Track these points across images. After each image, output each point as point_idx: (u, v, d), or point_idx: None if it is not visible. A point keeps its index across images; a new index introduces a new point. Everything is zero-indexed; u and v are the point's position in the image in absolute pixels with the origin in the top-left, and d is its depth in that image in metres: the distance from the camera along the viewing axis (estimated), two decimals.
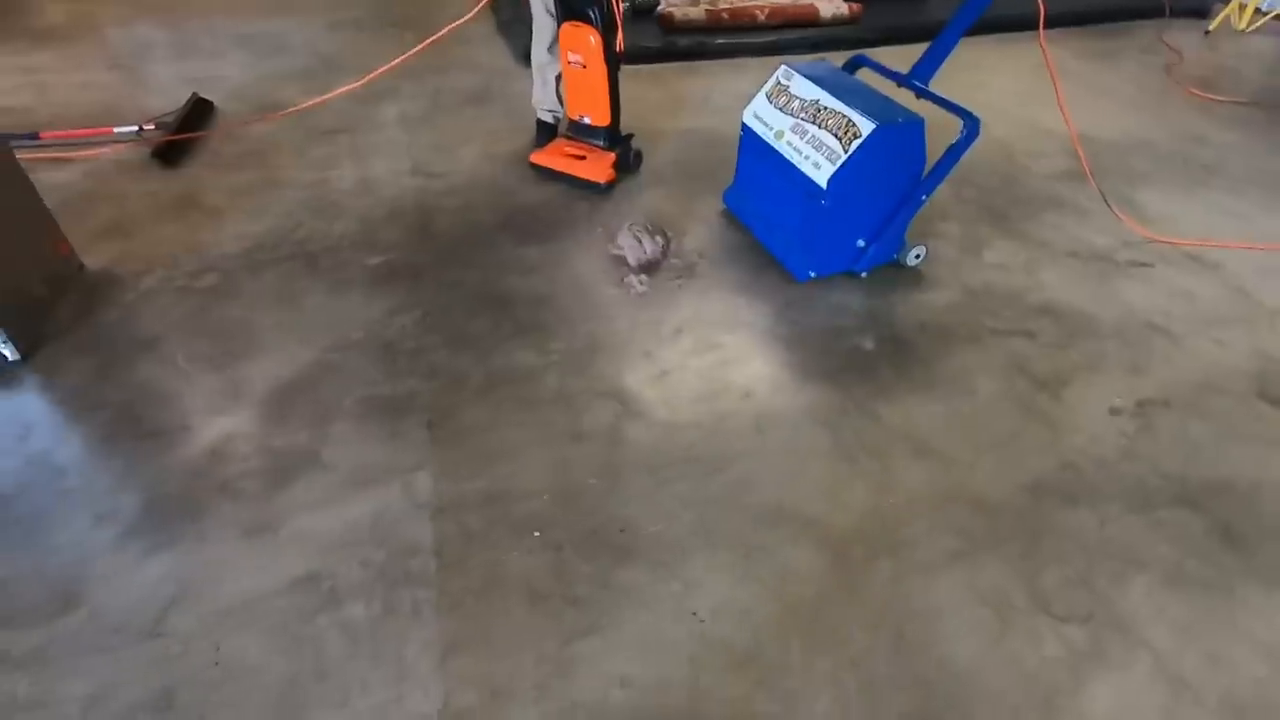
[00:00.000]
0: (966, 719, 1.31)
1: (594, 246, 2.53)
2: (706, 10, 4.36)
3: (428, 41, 3.14)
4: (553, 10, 2.78)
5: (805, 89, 2.30)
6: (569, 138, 2.90)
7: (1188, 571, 1.57)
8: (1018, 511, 1.68)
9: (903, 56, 2.54)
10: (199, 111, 3.27)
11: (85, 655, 1.38)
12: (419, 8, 4.82)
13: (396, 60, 3.20)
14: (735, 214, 2.66)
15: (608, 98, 2.69)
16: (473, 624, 1.44)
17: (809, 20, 4.48)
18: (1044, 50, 2.28)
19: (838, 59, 2.48)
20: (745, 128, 2.49)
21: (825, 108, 2.20)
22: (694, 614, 1.46)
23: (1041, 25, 2.28)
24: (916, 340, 2.16)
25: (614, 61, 2.63)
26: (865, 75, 2.46)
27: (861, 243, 2.30)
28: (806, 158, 2.20)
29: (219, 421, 1.85)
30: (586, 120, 2.78)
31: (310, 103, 3.28)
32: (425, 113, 3.42)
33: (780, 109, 2.35)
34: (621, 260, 2.44)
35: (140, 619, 1.44)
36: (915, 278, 2.40)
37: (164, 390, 1.94)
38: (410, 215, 2.67)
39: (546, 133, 3.07)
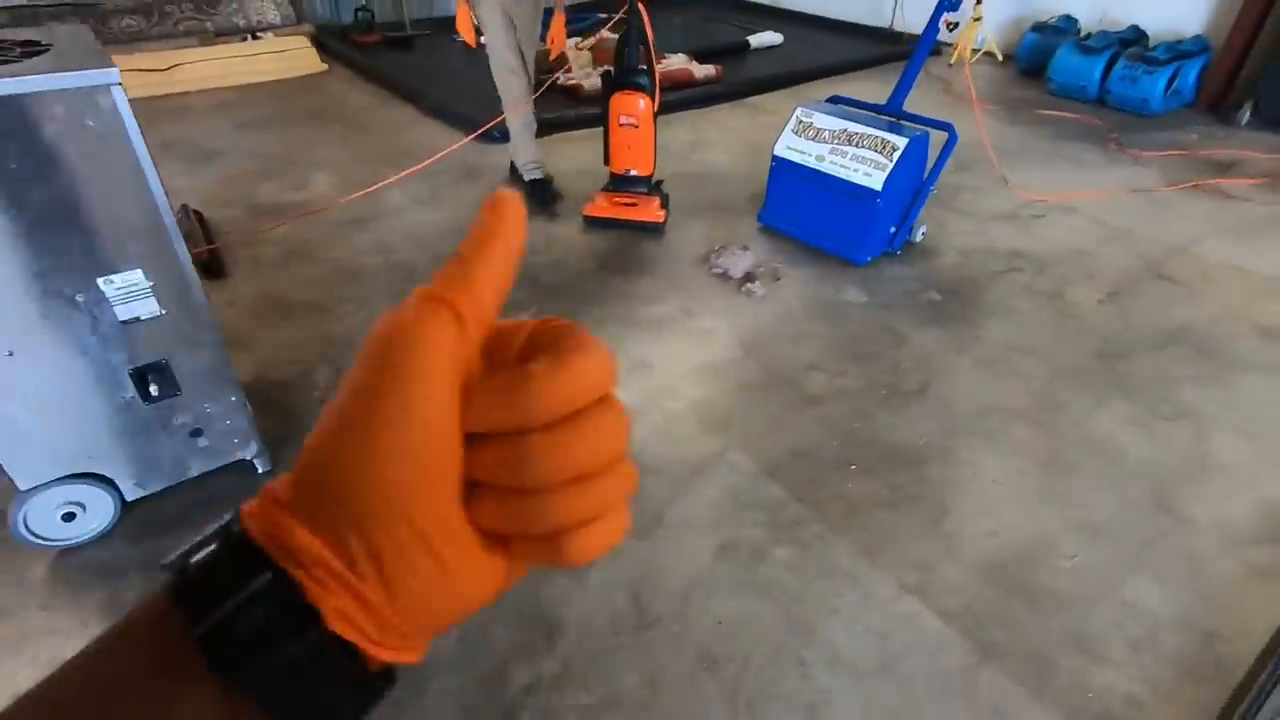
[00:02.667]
0: (1172, 484, 2.01)
1: (692, 271, 2.97)
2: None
3: (440, 155, 3.33)
4: (518, 70, 3.14)
5: (829, 122, 3.00)
6: (610, 190, 3.29)
7: (1202, 375, 2.47)
8: (1102, 371, 2.47)
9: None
10: (201, 223, 3.07)
11: (607, 656, 1.52)
12: (324, 100, 4.81)
13: (426, 162, 3.32)
14: (775, 228, 3.28)
15: (653, 151, 3.16)
16: (866, 534, 1.83)
17: (687, 82, 5.31)
18: (969, 83, 3.26)
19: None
20: (778, 159, 3.13)
21: (855, 133, 2.92)
22: (994, 481, 2.00)
23: (966, 71, 3.25)
24: (960, 288, 2.94)
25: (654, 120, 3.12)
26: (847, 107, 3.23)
27: (893, 229, 3.05)
28: (854, 171, 2.89)
29: None
30: (633, 172, 3.21)
31: (354, 195, 3.26)
32: (431, 194, 3.55)
33: (812, 140, 3.03)
34: (724, 275, 2.91)
35: (623, 620, 1.60)
36: (924, 250, 3.20)
37: None
38: (567, 269, 2.88)
39: (542, 189, 3.40)
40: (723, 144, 4.33)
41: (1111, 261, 3.17)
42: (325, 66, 5.39)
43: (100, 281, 1.44)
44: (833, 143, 2.98)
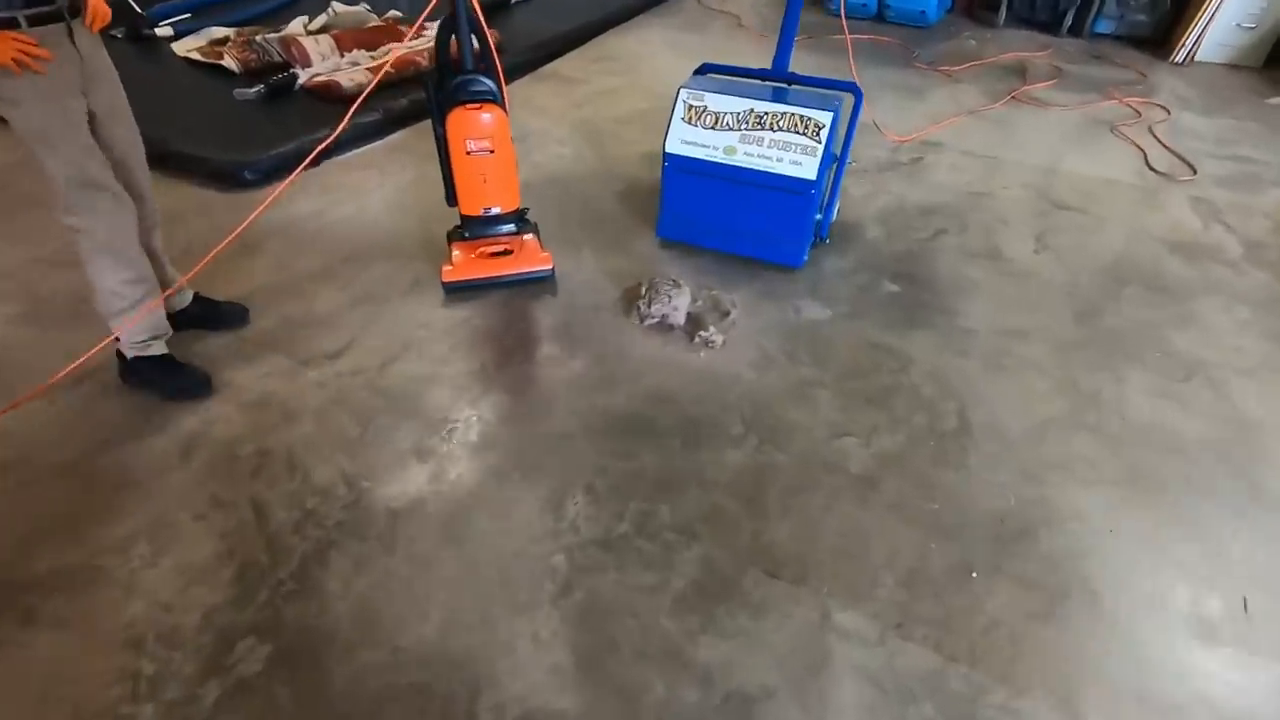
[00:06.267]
0: (1240, 464, 1.85)
1: (619, 327, 2.27)
2: (369, 69, 3.85)
3: (227, 240, 2.18)
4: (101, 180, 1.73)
5: (726, 102, 2.40)
6: (469, 240, 2.41)
7: (1171, 316, 2.38)
8: (1092, 338, 2.27)
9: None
10: None
11: None
12: None
13: (202, 263, 2.12)
14: (680, 240, 2.66)
15: (516, 176, 2.34)
16: (1046, 673, 1.41)
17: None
18: (846, 34, 2.83)
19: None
20: (672, 157, 2.48)
21: (766, 112, 2.36)
22: (1109, 531, 1.68)
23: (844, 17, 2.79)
24: (905, 269, 2.58)
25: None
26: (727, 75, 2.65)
27: (819, 216, 2.58)
28: (778, 160, 2.35)
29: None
30: (495, 210, 2.36)
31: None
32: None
33: (711, 128, 2.42)
34: (663, 326, 2.25)
35: None
36: (844, 227, 2.79)
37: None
38: (451, 383, 1.96)
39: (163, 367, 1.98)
40: (550, 133, 3.53)
41: (1008, 198, 3.04)
42: None
43: None
44: (740, 128, 2.39)
